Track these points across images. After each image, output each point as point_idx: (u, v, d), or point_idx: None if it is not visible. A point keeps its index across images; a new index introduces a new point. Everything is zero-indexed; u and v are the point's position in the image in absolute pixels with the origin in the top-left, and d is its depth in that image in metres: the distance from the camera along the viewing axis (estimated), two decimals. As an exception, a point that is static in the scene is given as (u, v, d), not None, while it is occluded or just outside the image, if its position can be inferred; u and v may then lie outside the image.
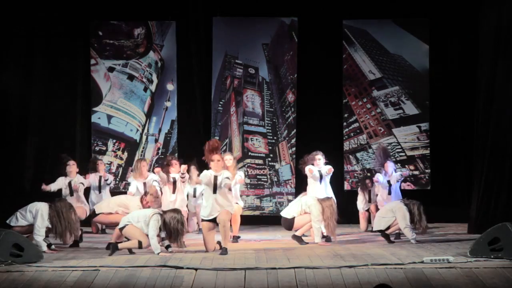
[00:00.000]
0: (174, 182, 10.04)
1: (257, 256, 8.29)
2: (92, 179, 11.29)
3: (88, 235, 10.57)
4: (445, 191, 12.31)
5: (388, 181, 10.60)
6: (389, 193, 10.58)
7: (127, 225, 8.62)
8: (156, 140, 12.63)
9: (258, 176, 12.46)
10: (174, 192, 10.09)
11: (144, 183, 10.22)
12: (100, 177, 11.36)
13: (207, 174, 8.77)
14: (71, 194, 10.09)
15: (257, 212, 12.51)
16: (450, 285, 6.63)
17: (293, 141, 12.60)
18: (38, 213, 8.69)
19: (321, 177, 9.94)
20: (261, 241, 10.02)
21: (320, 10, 12.44)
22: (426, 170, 12.40)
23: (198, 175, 10.11)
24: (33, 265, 7.49)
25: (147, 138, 12.60)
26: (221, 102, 12.67)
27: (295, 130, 12.62)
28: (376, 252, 8.48)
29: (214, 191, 8.68)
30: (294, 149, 12.58)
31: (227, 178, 8.68)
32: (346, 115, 12.66)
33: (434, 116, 12.52)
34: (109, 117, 12.58)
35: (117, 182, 12.29)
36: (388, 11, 12.52)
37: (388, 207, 9.64)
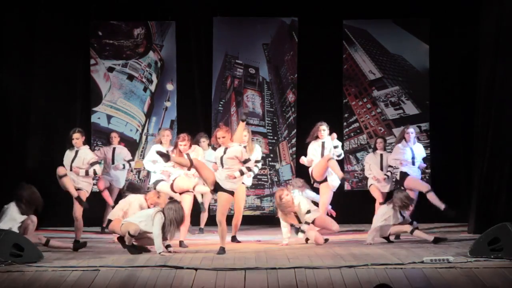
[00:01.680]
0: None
1: (257, 256, 8.30)
2: (105, 152, 11.27)
3: (87, 233, 10.58)
4: (445, 191, 12.29)
5: (412, 150, 10.40)
6: (413, 163, 10.35)
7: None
8: (156, 140, 12.63)
9: (258, 176, 12.44)
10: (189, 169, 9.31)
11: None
12: (114, 148, 11.38)
13: (213, 153, 8.77)
14: (71, 168, 9.58)
15: (257, 212, 12.51)
16: (450, 285, 6.64)
17: (293, 141, 12.60)
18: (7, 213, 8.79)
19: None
20: (261, 241, 10.02)
21: (320, 10, 12.43)
22: (426, 170, 12.39)
23: (209, 144, 10.32)
24: (33, 265, 7.50)
25: (146, 138, 12.60)
26: (221, 102, 12.68)
27: (295, 130, 12.62)
28: (376, 252, 8.48)
29: (222, 166, 8.63)
30: (294, 149, 12.58)
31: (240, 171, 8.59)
32: (346, 115, 12.66)
33: (434, 116, 12.52)
34: (109, 117, 12.58)
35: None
36: (388, 11, 12.51)
37: (380, 211, 9.65)
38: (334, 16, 12.52)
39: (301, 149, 12.35)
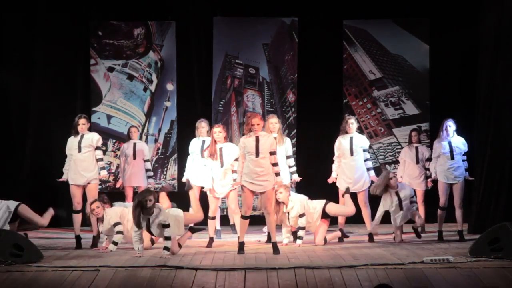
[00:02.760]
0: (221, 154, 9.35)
1: (257, 256, 8.30)
2: (125, 148, 11.12)
3: (89, 233, 10.57)
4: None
5: (450, 143, 9.85)
6: (452, 157, 9.80)
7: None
8: (156, 140, 12.64)
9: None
10: (222, 165, 9.32)
11: (203, 141, 10.02)
12: (135, 144, 11.10)
13: (245, 141, 8.32)
14: (80, 150, 9.55)
15: (257, 212, 12.49)
16: (450, 285, 6.63)
17: (293, 141, 12.59)
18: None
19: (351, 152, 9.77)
20: (261, 241, 10.01)
21: (320, 10, 12.45)
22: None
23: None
24: (33, 265, 7.49)
25: (146, 138, 12.60)
26: (221, 102, 12.68)
27: (295, 130, 12.62)
28: (376, 252, 8.49)
29: (257, 155, 8.31)
30: (294, 149, 12.57)
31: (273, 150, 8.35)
32: (346, 115, 12.64)
33: (434, 116, 12.52)
34: (109, 117, 12.58)
35: (117, 182, 12.26)
36: (388, 11, 12.52)
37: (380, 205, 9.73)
38: (334, 16, 12.52)
39: (302, 149, 12.36)
